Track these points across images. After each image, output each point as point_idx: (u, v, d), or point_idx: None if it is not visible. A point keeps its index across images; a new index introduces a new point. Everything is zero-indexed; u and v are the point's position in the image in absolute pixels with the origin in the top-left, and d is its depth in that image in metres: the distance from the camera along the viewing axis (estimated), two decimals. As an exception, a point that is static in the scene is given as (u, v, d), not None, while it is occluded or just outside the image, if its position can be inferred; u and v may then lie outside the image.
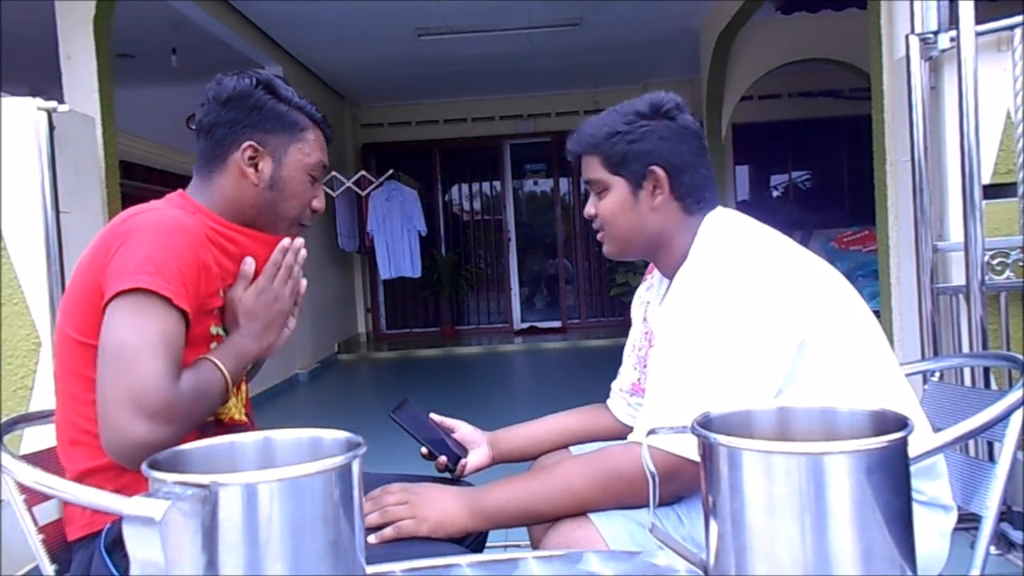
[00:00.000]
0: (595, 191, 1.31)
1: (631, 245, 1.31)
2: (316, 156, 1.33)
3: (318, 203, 1.36)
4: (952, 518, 1.18)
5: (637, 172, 1.26)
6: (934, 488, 1.17)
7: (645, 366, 1.44)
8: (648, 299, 1.46)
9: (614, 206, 1.28)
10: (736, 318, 1.09)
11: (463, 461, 1.40)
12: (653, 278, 1.47)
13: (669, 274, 1.31)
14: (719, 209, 1.28)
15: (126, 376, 1.05)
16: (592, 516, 1.14)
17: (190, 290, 1.13)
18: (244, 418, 1.33)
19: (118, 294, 1.09)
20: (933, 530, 1.16)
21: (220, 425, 1.26)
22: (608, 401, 1.54)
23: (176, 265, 1.12)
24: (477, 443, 1.46)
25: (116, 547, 1.14)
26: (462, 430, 1.47)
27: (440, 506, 1.14)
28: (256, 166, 1.28)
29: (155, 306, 1.09)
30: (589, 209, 1.33)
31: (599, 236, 1.34)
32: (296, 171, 1.31)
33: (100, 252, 1.15)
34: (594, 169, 1.29)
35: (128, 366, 1.05)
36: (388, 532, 1.12)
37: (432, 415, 1.45)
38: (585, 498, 1.14)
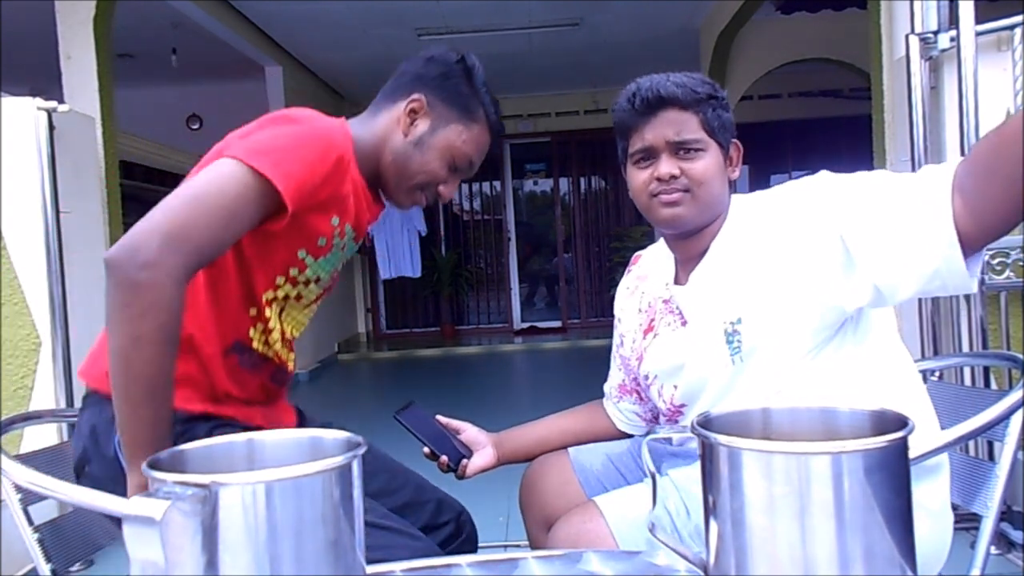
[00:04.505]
0: (683, 149, 1.23)
1: (709, 212, 1.26)
2: (469, 148, 1.34)
3: (446, 189, 1.35)
4: (952, 517, 1.19)
5: (727, 141, 1.27)
6: (935, 487, 1.17)
7: (632, 365, 1.43)
8: (644, 289, 1.42)
9: (713, 168, 1.24)
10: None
11: (464, 461, 1.41)
12: (640, 268, 1.46)
13: (693, 253, 1.29)
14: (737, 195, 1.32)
15: (170, 211, 1.03)
16: (603, 509, 1.14)
17: (304, 192, 1.12)
18: (292, 366, 1.34)
19: (228, 156, 1.09)
20: (933, 529, 1.16)
21: (267, 361, 1.27)
22: (604, 401, 1.54)
23: (304, 163, 1.11)
24: (482, 444, 1.47)
25: None
26: (468, 432, 1.47)
27: None
28: (413, 120, 1.31)
29: (252, 181, 1.07)
30: (671, 168, 1.23)
31: (673, 197, 1.24)
32: (443, 146, 1.32)
33: (249, 129, 1.17)
34: (692, 127, 1.23)
35: (180, 204, 1.04)
36: None
37: (439, 417, 1.46)
38: None
